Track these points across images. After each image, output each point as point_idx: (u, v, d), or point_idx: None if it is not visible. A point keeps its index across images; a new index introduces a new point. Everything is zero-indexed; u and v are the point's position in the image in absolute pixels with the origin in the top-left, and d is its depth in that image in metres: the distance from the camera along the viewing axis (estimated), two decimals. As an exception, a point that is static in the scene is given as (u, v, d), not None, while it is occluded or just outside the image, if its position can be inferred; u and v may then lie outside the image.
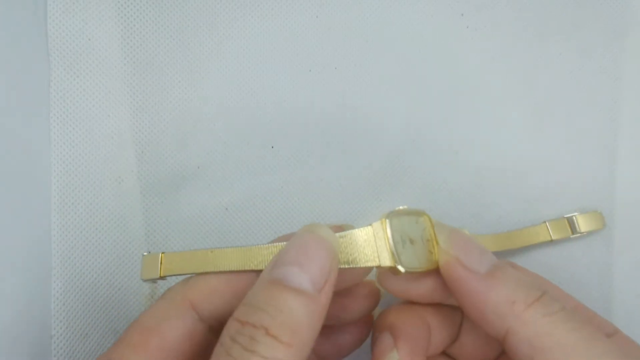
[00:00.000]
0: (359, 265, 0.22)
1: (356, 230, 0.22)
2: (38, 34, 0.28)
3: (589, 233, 0.31)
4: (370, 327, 0.26)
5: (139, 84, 0.30)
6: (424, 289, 0.23)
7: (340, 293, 0.24)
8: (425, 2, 0.32)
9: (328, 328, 0.25)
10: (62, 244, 0.28)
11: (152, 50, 0.30)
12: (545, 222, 0.30)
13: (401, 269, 0.22)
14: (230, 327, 0.18)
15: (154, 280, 0.23)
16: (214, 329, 0.22)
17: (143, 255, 0.23)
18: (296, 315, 0.18)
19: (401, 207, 0.23)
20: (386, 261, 0.22)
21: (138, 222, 0.30)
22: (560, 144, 0.32)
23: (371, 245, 0.22)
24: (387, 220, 0.22)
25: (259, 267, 0.21)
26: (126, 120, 0.30)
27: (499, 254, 0.25)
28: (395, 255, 0.22)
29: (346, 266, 0.21)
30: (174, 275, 0.23)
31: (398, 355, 0.21)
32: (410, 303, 0.24)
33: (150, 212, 0.30)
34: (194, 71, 0.31)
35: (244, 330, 0.17)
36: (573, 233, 0.30)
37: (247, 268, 0.21)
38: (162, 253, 0.23)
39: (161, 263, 0.23)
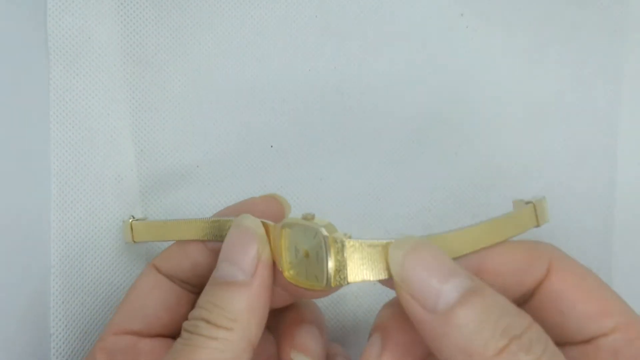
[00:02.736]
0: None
1: (268, 224, 0.22)
2: (37, 32, 0.28)
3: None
4: None
5: (138, 83, 0.30)
6: None
7: None
8: (424, 2, 0.32)
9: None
10: (61, 243, 0.28)
11: (151, 48, 0.30)
12: (532, 203, 0.25)
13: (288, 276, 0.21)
14: (184, 323, 0.21)
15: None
16: (175, 282, 0.25)
17: (122, 221, 0.29)
18: (231, 304, 0.20)
19: (304, 218, 0.21)
20: (279, 263, 0.22)
21: (137, 221, 0.30)
22: (560, 144, 0.32)
23: (273, 242, 0.22)
24: (281, 229, 0.21)
25: (202, 238, 0.24)
26: (126, 119, 0.30)
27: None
28: (280, 262, 0.21)
29: None
30: (143, 241, 0.28)
31: None
32: None
33: (149, 211, 0.30)
34: (193, 70, 0.31)
35: (190, 322, 0.20)
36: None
37: (193, 238, 0.25)
38: (131, 221, 0.27)
39: (132, 230, 0.27)
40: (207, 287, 0.21)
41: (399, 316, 0.20)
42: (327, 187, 0.32)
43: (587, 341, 0.21)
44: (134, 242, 0.27)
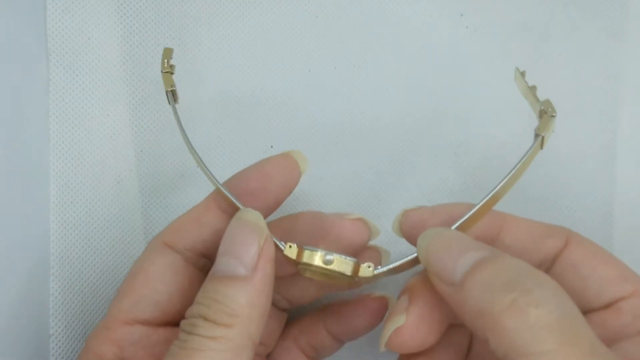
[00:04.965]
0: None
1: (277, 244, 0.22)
2: (37, 32, 0.28)
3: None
4: (384, 310, 0.27)
5: (138, 83, 0.30)
6: None
7: (348, 305, 0.26)
8: (424, 2, 0.32)
9: (342, 309, 0.27)
10: (61, 243, 0.28)
11: (151, 49, 0.30)
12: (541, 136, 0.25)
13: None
14: (181, 322, 0.20)
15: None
16: (190, 260, 0.24)
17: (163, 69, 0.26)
18: (231, 300, 0.19)
19: (323, 259, 0.21)
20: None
21: (137, 221, 0.30)
22: (560, 144, 0.32)
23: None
24: (298, 267, 0.22)
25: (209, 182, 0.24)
26: (125, 120, 0.30)
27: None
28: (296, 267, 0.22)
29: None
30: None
31: (404, 320, 0.21)
32: None
33: (149, 212, 0.30)
34: (193, 70, 0.31)
35: (187, 321, 0.20)
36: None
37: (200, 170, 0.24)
38: (169, 90, 0.26)
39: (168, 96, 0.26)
40: (205, 283, 0.21)
41: (424, 282, 0.22)
42: (327, 187, 0.31)
43: (608, 306, 0.22)
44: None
